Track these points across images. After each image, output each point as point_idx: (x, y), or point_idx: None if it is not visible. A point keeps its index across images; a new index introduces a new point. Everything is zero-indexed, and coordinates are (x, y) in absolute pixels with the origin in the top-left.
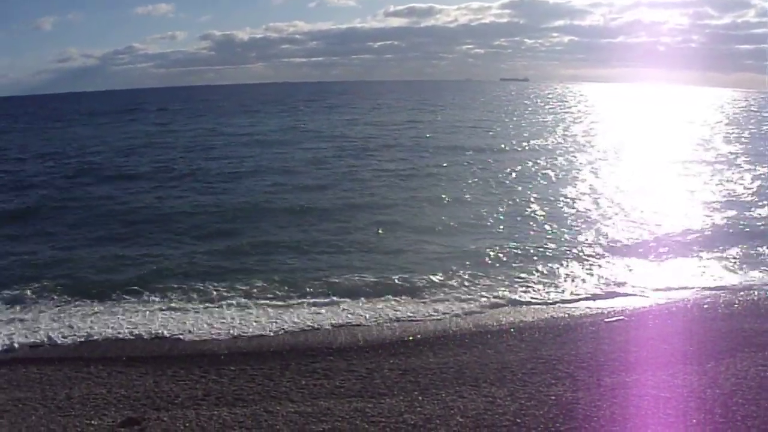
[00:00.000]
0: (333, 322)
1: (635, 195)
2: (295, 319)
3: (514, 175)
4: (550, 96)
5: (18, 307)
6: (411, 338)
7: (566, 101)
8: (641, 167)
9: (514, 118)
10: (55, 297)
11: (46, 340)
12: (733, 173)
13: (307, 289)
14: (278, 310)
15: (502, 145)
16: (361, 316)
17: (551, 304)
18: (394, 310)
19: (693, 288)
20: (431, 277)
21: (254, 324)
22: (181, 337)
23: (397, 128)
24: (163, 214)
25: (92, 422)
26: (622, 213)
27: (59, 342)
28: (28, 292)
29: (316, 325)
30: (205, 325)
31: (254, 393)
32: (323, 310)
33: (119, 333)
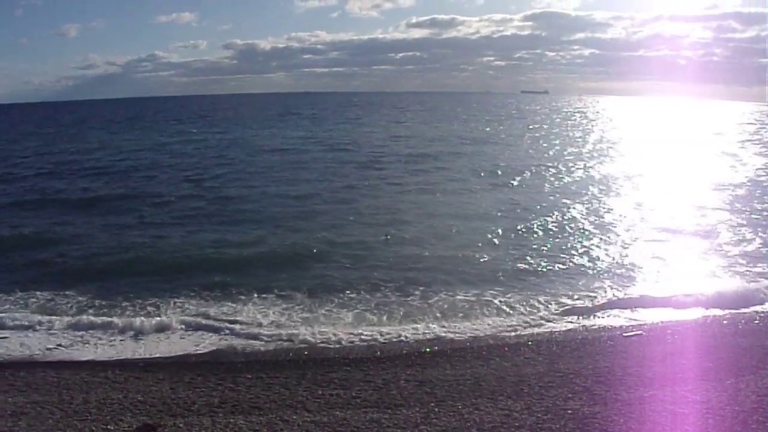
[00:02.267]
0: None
1: (663, 209)
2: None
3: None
4: (585, 110)
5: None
6: (428, 350)
7: (598, 116)
8: (672, 181)
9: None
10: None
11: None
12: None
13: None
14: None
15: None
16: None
17: (569, 315)
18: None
19: (714, 302)
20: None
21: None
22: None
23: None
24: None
25: (108, 427)
26: (646, 226)
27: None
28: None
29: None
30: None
31: (270, 401)
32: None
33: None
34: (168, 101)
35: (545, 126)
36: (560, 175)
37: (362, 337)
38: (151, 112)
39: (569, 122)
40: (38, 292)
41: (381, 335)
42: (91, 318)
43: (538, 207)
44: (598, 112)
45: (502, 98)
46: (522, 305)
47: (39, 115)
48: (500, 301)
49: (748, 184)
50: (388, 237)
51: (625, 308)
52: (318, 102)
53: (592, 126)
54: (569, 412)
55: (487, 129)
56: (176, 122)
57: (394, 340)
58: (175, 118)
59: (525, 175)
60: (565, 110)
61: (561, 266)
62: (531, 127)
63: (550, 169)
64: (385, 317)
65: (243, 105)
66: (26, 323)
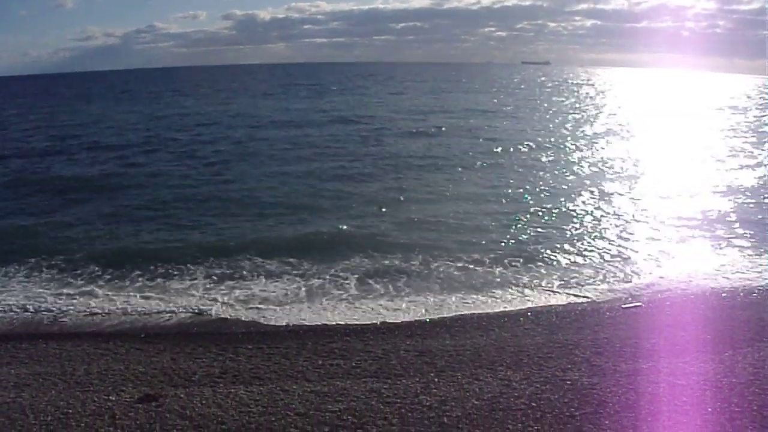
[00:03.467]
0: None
1: (666, 182)
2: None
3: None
4: (591, 83)
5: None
6: (428, 320)
7: (606, 89)
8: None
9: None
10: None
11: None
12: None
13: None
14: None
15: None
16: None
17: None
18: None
19: (712, 276)
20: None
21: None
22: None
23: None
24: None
25: (110, 397)
26: (650, 198)
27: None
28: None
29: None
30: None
31: (271, 372)
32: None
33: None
34: (167, 72)
35: (552, 99)
36: (567, 152)
37: (362, 310)
38: (155, 84)
39: (576, 95)
40: (46, 265)
41: (384, 308)
42: (96, 289)
43: (542, 183)
44: (603, 85)
45: (505, 69)
46: (522, 277)
47: (36, 87)
48: (500, 272)
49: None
50: (383, 209)
51: (625, 280)
52: (318, 73)
53: (602, 101)
54: (568, 382)
55: (494, 101)
56: (176, 94)
57: (394, 310)
58: (175, 90)
59: (529, 150)
60: (571, 82)
61: (563, 240)
62: (539, 100)
63: (555, 145)
64: (383, 290)
65: (243, 76)
66: (30, 295)
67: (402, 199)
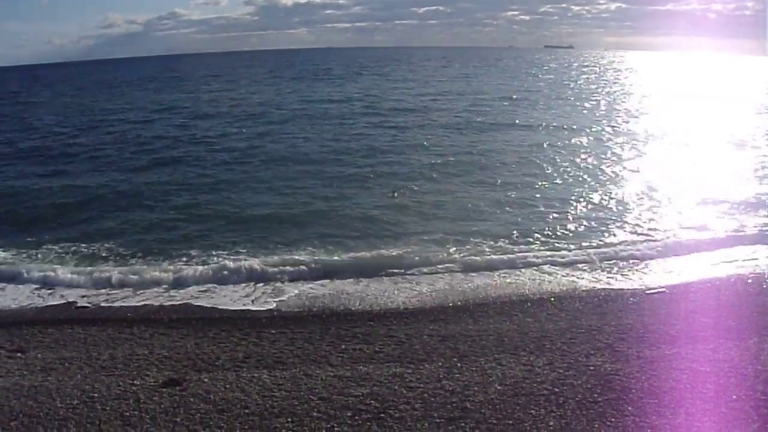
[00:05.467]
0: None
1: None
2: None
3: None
4: (618, 66)
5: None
6: (451, 305)
7: (634, 73)
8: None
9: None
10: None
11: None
12: None
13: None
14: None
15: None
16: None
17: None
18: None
19: (738, 261)
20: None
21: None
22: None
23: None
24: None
25: (135, 382)
26: (677, 184)
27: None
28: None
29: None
30: None
31: (294, 356)
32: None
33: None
34: (190, 58)
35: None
36: (598, 135)
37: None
38: (183, 70)
39: (606, 78)
40: (79, 246)
41: (400, 291)
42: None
43: (567, 164)
44: (629, 69)
45: (528, 54)
46: (545, 261)
47: (60, 75)
48: (522, 257)
49: None
50: (395, 194)
51: (649, 266)
52: (343, 57)
53: (632, 84)
54: (591, 368)
55: (524, 85)
56: (208, 79)
57: (415, 294)
58: (203, 76)
59: (559, 133)
60: (596, 65)
61: (586, 224)
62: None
63: (588, 129)
64: (404, 275)
65: (268, 61)
66: (57, 281)
67: (418, 185)
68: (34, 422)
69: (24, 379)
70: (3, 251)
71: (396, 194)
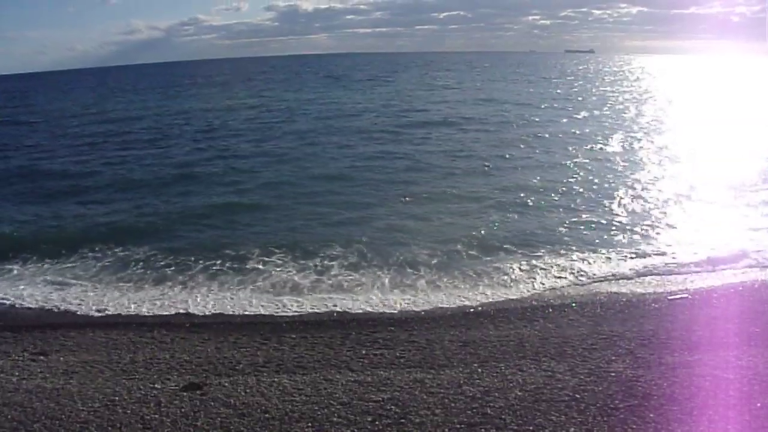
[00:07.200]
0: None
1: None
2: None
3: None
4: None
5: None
6: (472, 310)
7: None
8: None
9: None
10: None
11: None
12: None
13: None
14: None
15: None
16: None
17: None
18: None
19: (763, 265)
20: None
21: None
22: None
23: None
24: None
25: (155, 386)
26: (706, 192)
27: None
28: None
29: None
30: None
31: (314, 361)
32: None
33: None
34: (212, 64)
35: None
36: (623, 143)
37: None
38: (217, 75)
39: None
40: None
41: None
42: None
43: (592, 173)
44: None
45: (550, 58)
46: (567, 267)
47: (83, 81)
48: (544, 263)
49: None
50: (406, 198)
51: (672, 271)
52: (364, 63)
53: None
54: (612, 374)
55: (558, 91)
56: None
57: (438, 303)
58: (225, 82)
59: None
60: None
61: (609, 229)
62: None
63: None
64: (426, 281)
65: (289, 67)
66: (82, 282)
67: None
68: (56, 424)
69: (46, 382)
70: None
71: (407, 198)
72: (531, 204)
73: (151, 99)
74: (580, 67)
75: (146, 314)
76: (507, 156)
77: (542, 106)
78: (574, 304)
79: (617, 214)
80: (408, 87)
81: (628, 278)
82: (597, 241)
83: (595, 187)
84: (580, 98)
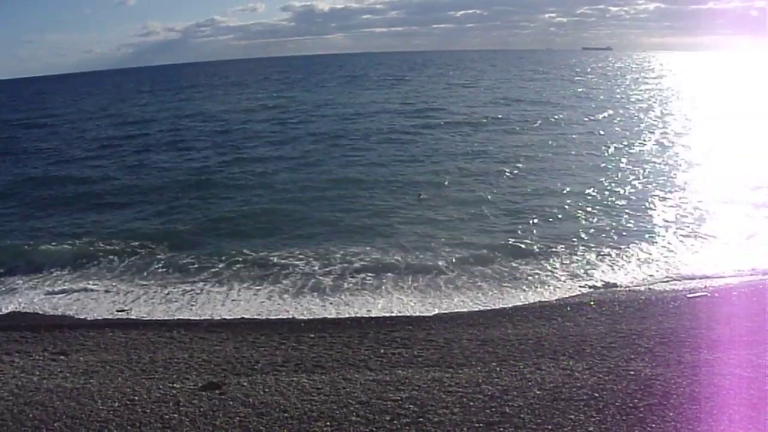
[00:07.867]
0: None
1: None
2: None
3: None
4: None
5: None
6: (490, 309)
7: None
8: None
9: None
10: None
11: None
12: None
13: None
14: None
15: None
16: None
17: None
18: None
19: None
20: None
21: None
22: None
23: None
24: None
25: (175, 385)
26: (725, 195)
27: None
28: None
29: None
30: None
31: (333, 360)
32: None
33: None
34: (228, 65)
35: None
36: (644, 145)
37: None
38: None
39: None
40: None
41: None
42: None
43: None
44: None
45: (567, 56)
46: (585, 265)
47: (103, 83)
48: (561, 263)
49: None
50: (421, 196)
51: (691, 269)
52: (381, 63)
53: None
54: (631, 373)
55: (580, 89)
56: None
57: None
58: (242, 83)
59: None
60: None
61: (629, 230)
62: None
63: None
64: (447, 282)
65: (306, 67)
66: (102, 284)
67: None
68: (77, 423)
69: (67, 381)
70: None
71: (422, 196)
72: (562, 208)
73: (169, 101)
74: (599, 65)
75: (165, 315)
76: (530, 157)
77: (564, 105)
78: (592, 303)
79: (651, 217)
80: (426, 86)
81: (646, 274)
82: (624, 246)
83: (626, 190)
84: (602, 97)
